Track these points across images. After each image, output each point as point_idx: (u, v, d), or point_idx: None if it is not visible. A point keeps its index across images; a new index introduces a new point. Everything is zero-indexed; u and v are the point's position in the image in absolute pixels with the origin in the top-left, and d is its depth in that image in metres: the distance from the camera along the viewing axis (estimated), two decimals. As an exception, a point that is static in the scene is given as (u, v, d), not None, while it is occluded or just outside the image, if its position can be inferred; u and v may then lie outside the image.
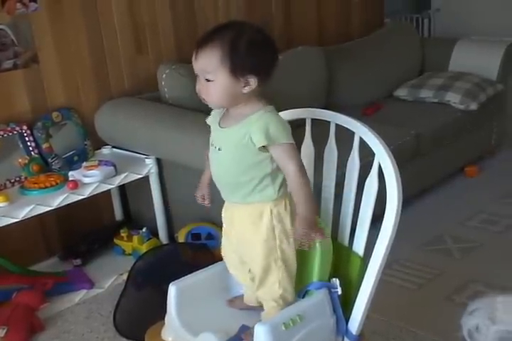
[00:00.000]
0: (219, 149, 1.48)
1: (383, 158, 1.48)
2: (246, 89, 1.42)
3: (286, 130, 1.43)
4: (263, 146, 1.41)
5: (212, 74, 1.40)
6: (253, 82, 1.42)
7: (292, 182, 1.44)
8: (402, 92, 3.76)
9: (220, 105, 1.48)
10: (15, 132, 2.61)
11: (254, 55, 1.41)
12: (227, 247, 1.63)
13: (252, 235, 1.50)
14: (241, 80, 1.41)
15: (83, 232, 2.96)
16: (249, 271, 1.58)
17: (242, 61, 1.39)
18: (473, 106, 3.51)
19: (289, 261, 1.52)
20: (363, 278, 1.53)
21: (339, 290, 1.52)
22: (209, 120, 1.58)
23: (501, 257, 2.81)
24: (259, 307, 1.61)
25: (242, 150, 1.44)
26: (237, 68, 1.39)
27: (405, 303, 2.49)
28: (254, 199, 1.49)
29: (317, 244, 1.53)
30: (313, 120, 1.68)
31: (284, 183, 1.49)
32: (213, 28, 1.43)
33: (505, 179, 3.66)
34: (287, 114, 1.69)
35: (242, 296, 1.68)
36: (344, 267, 1.60)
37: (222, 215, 1.62)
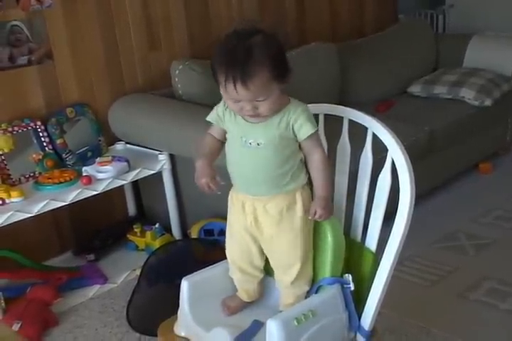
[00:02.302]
0: (258, 144, 1.46)
1: (396, 153, 1.47)
2: (284, 86, 1.44)
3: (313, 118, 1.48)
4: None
5: (266, 94, 1.39)
6: (290, 72, 1.44)
7: (318, 167, 1.49)
8: (415, 89, 3.74)
9: (271, 114, 1.46)
10: (29, 128, 2.62)
11: (282, 52, 1.43)
12: (237, 247, 1.62)
13: (287, 223, 1.52)
14: (286, 78, 1.43)
15: (96, 228, 2.98)
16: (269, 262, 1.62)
17: (282, 63, 1.41)
18: (488, 103, 3.49)
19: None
20: (375, 273, 1.52)
21: (352, 286, 1.52)
22: (213, 118, 1.55)
23: (515, 254, 2.80)
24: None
25: (283, 142, 1.46)
26: (283, 75, 1.41)
27: (418, 300, 2.48)
28: (290, 187, 1.52)
29: (329, 239, 1.53)
30: (325, 117, 1.68)
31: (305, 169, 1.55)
32: (231, 54, 1.38)
33: (519, 176, 3.64)
34: (300, 110, 1.69)
35: (234, 299, 1.67)
36: (357, 263, 1.60)
37: (232, 212, 1.61)
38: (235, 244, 1.63)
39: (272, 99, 1.40)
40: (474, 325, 2.31)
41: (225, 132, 1.56)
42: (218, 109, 1.55)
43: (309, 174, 1.54)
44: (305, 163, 1.53)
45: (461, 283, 2.58)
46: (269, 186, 1.51)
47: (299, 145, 1.50)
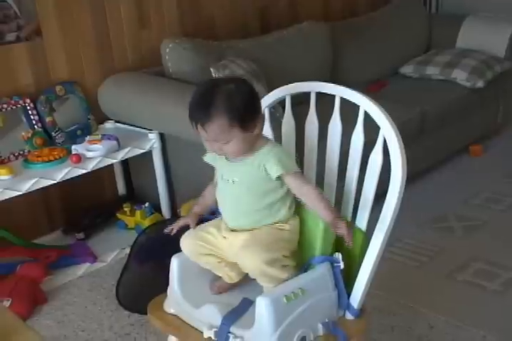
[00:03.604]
0: (233, 182, 1.54)
1: (388, 131, 1.47)
2: (256, 131, 1.51)
3: (294, 160, 1.55)
4: (278, 177, 1.50)
5: (226, 138, 1.47)
6: (259, 123, 1.51)
7: (313, 199, 1.51)
8: (407, 69, 3.73)
9: (240, 155, 1.53)
10: (18, 106, 2.60)
11: (250, 103, 1.49)
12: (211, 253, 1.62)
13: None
14: (251, 128, 1.49)
15: (86, 206, 2.97)
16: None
17: (247, 115, 1.47)
18: (480, 84, 3.48)
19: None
20: (365, 253, 1.53)
21: (341, 265, 1.52)
22: (208, 158, 1.62)
23: (504, 236, 2.81)
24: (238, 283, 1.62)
25: (256, 180, 1.52)
26: (246, 122, 1.47)
27: (407, 280, 2.50)
28: (267, 222, 1.55)
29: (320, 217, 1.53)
30: (316, 99, 1.66)
31: (293, 204, 1.58)
32: (200, 99, 1.48)
33: (509, 158, 3.65)
34: (291, 88, 1.68)
35: (221, 280, 1.65)
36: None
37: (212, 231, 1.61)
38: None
39: (235, 142, 1.47)
40: (462, 305, 2.33)
41: None
42: (205, 157, 1.64)
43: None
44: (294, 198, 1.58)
45: (450, 264, 2.60)
46: (247, 220, 1.56)
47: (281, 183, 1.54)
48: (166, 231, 1.67)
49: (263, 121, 1.54)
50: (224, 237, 1.57)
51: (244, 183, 1.52)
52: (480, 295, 2.39)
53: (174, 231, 1.66)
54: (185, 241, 1.60)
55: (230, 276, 1.61)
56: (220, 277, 1.62)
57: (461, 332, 2.17)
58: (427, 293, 2.41)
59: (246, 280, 1.61)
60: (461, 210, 3.08)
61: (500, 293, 2.39)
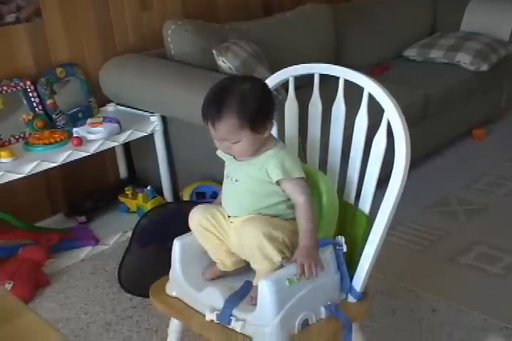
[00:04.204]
0: (236, 180, 1.54)
1: (392, 113, 1.45)
2: (266, 134, 1.51)
3: (299, 166, 1.52)
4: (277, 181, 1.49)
5: (235, 138, 1.47)
6: (270, 126, 1.51)
7: (301, 214, 1.49)
8: (411, 52, 3.70)
9: (249, 156, 1.53)
10: (18, 88, 2.58)
11: (263, 106, 1.49)
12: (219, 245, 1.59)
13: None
14: (261, 131, 1.49)
15: (88, 190, 2.96)
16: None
17: (258, 116, 1.47)
18: (484, 68, 3.46)
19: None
20: (368, 236, 1.52)
21: (344, 248, 1.51)
22: (220, 153, 1.62)
23: (506, 220, 2.81)
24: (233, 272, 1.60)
25: (258, 182, 1.51)
26: (257, 125, 1.47)
27: (409, 264, 2.50)
28: (267, 213, 1.53)
29: (324, 201, 1.52)
30: (320, 82, 1.65)
31: None
32: (214, 96, 1.49)
33: (512, 142, 3.64)
34: (295, 70, 1.66)
35: (213, 266, 1.62)
36: (350, 225, 1.59)
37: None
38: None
39: (244, 143, 1.47)
40: (464, 289, 2.33)
41: None
42: (218, 152, 1.63)
43: None
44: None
45: (452, 248, 2.60)
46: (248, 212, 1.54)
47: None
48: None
49: (273, 124, 1.54)
50: (231, 222, 1.56)
51: (246, 183, 1.52)
52: (482, 278, 2.39)
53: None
54: (195, 213, 1.58)
55: (224, 264, 1.58)
56: (215, 264, 1.60)
57: (463, 316, 2.17)
58: (428, 277, 2.41)
59: (246, 267, 1.58)
60: (464, 194, 3.07)
61: (502, 277, 2.39)
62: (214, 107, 1.46)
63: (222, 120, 1.44)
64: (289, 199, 1.52)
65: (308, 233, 1.46)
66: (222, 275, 1.60)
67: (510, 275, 2.40)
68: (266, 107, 1.50)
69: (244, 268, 1.59)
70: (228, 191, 1.58)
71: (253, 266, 1.52)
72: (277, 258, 1.45)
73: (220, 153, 1.61)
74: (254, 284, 1.51)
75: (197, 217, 1.57)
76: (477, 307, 2.20)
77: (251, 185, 1.51)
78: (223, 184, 1.61)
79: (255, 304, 1.44)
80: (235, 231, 1.53)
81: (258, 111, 1.47)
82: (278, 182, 1.50)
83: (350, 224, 1.59)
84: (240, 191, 1.53)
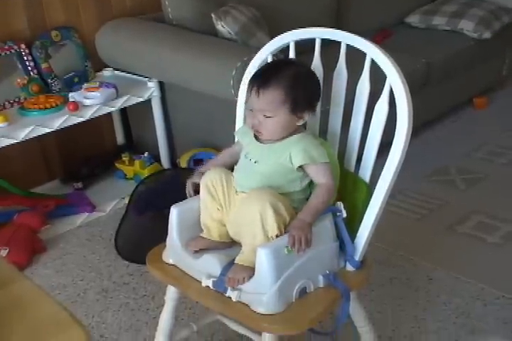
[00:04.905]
0: (255, 162, 1.50)
1: (395, 79, 1.41)
2: (299, 122, 1.50)
3: (324, 152, 1.49)
4: (300, 166, 1.46)
5: (272, 112, 1.46)
6: (307, 116, 1.50)
7: (317, 192, 1.47)
8: (413, 19, 3.64)
9: (272, 138, 1.50)
10: (13, 51, 2.53)
11: (310, 92, 1.50)
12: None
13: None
14: (298, 116, 1.48)
15: (84, 156, 2.94)
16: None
17: (302, 100, 1.47)
18: (487, 35, 3.40)
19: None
20: (368, 204, 1.50)
21: (344, 213, 1.49)
22: (239, 133, 1.60)
23: (505, 189, 2.80)
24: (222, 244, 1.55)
25: (278, 167, 1.47)
26: (298, 107, 1.47)
27: (407, 233, 2.49)
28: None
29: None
30: (321, 48, 1.61)
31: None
32: (268, 67, 1.54)
33: (514, 111, 3.60)
34: (296, 34, 1.62)
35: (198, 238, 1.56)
36: (349, 193, 1.57)
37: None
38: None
39: (277, 120, 1.46)
40: (462, 258, 2.33)
41: (239, 149, 1.60)
42: (236, 133, 1.65)
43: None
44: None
45: (451, 217, 2.59)
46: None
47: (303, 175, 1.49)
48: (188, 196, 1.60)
49: (310, 117, 1.52)
50: (238, 195, 1.52)
51: (265, 166, 1.49)
52: (479, 247, 2.39)
53: (191, 193, 1.60)
54: (214, 171, 1.54)
55: (210, 231, 1.53)
56: (200, 236, 1.56)
57: (460, 284, 2.17)
58: (426, 246, 2.41)
59: (230, 245, 1.55)
60: (464, 163, 3.05)
61: (500, 246, 2.39)
62: (265, 75, 1.47)
63: (268, 88, 1.44)
64: (304, 192, 1.49)
65: (312, 210, 1.44)
66: (206, 249, 1.53)
67: (508, 244, 2.40)
68: (312, 96, 1.51)
69: (228, 245, 1.54)
70: (245, 170, 1.53)
71: (243, 240, 1.47)
72: (273, 233, 1.40)
73: (239, 133, 1.60)
74: (235, 261, 1.45)
75: (213, 174, 1.53)
76: (474, 276, 2.20)
77: (271, 169, 1.48)
78: (239, 161, 1.56)
79: (233, 286, 1.41)
80: (239, 203, 1.50)
81: (304, 95, 1.47)
82: (301, 167, 1.46)
83: (350, 192, 1.56)
84: (257, 172, 1.49)
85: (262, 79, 1.46)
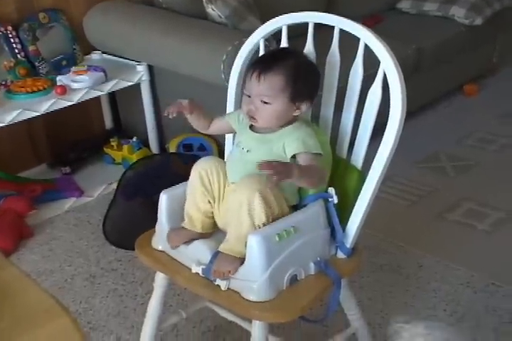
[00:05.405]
0: (247, 151, 1.48)
1: (389, 64, 1.40)
2: (296, 113, 1.47)
3: (318, 143, 1.45)
4: (293, 156, 1.43)
5: (271, 98, 1.43)
6: (305, 107, 1.47)
7: (307, 163, 1.42)
8: (405, 4, 3.61)
9: (267, 126, 1.47)
10: (-1, 33, 2.49)
11: (311, 83, 1.48)
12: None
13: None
14: (295, 105, 1.46)
15: (72, 140, 2.90)
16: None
17: (302, 90, 1.45)
18: (478, 21, 3.38)
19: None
20: (359, 191, 1.48)
21: (335, 199, 1.47)
22: (232, 117, 1.57)
23: (496, 176, 2.80)
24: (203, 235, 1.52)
25: (271, 157, 1.41)
26: (297, 95, 1.44)
27: (397, 219, 2.48)
28: None
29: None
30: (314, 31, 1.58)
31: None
32: (271, 53, 1.54)
33: (504, 98, 3.60)
34: (288, 18, 1.59)
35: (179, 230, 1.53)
36: (341, 180, 1.55)
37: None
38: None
39: (275, 108, 1.43)
40: (451, 245, 2.33)
41: (227, 127, 1.59)
42: (229, 117, 1.59)
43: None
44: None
45: (441, 204, 2.59)
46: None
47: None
48: (164, 114, 1.55)
49: (308, 109, 1.50)
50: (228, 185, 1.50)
51: (257, 155, 1.44)
52: (469, 234, 2.39)
53: (174, 114, 1.54)
54: (210, 159, 1.52)
55: (195, 222, 1.50)
56: (182, 227, 1.53)
57: (450, 271, 2.17)
58: (416, 233, 2.40)
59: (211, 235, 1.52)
60: (454, 150, 3.04)
61: (490, 233, 2.39)
62: (267, 61, 1.45)
63: (270, 74, 1.42)
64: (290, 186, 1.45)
65: (303, 167, 1.39)
66: (187, 242, 1.50)
67: (497, 231, 2.40)
68: (312, 88, 1.49)
69: (211, 235, 1.52)
70: (236, 159, 1.51)
71: (229, 227, 1.44)
72: (260, 221, 1.38)
73: (231, 117, 1.56)
74: (220, 249, 1.42)
75: (208, 163, 1.50)
76: (464, 264, 2.21)
77: (263, 157, 1.41)
78: (230, 151, 1.54)
79: (221, 277, 1.40)
80: (230, 194, 1.47)
81: (305, 85, 1.45)
82: (294, 158, 1.43)
83: (342, 179, 1.54)
84: (249, 161, 1.45)
85: (265, 64, 1.44)
